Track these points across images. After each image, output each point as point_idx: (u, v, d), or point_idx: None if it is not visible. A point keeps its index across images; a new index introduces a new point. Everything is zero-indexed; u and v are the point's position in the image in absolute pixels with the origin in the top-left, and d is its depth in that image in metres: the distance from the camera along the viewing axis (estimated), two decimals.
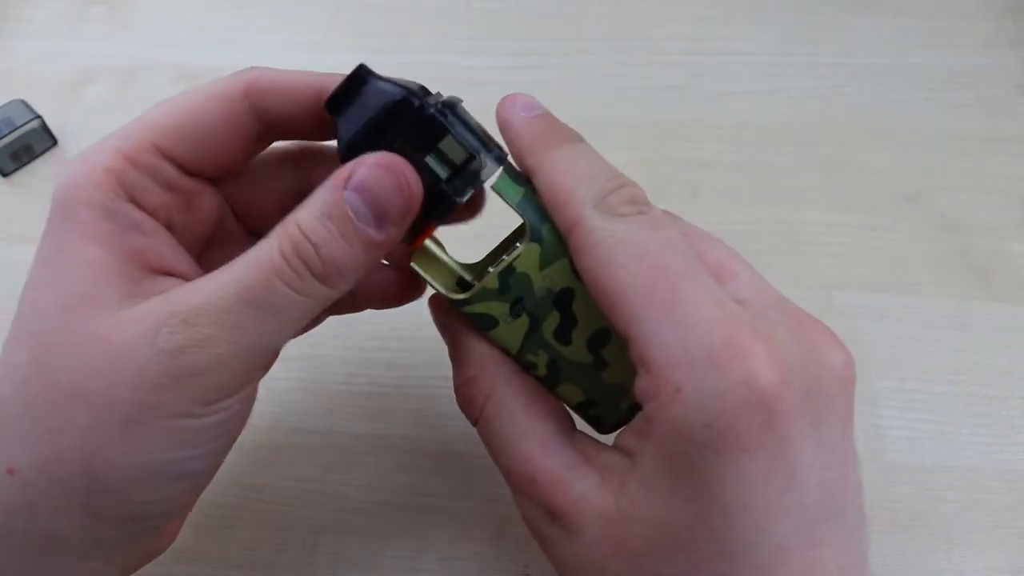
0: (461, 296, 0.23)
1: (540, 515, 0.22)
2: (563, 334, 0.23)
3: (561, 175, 0.22)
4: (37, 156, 0.42)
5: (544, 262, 0.23)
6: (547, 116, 0.24)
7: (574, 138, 0.23)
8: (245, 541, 0.31)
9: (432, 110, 0.21)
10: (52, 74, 0.45)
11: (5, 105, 0.42)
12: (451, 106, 0.22)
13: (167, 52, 0.47)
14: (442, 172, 0.22)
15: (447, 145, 0.22)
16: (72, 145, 0.43)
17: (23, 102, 0.42)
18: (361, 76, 0.22)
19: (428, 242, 0.24)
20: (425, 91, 0.23)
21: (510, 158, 0.23)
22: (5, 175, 0.41)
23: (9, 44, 0.47)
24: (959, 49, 0.46)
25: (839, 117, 0.44)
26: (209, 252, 0.26)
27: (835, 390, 0.20)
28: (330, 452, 0.33)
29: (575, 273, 0.22)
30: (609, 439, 0.23)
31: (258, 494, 0.32)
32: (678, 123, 0.43)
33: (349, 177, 0.21)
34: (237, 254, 0.26)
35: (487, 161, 0.22)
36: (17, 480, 0.20)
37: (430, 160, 0.22)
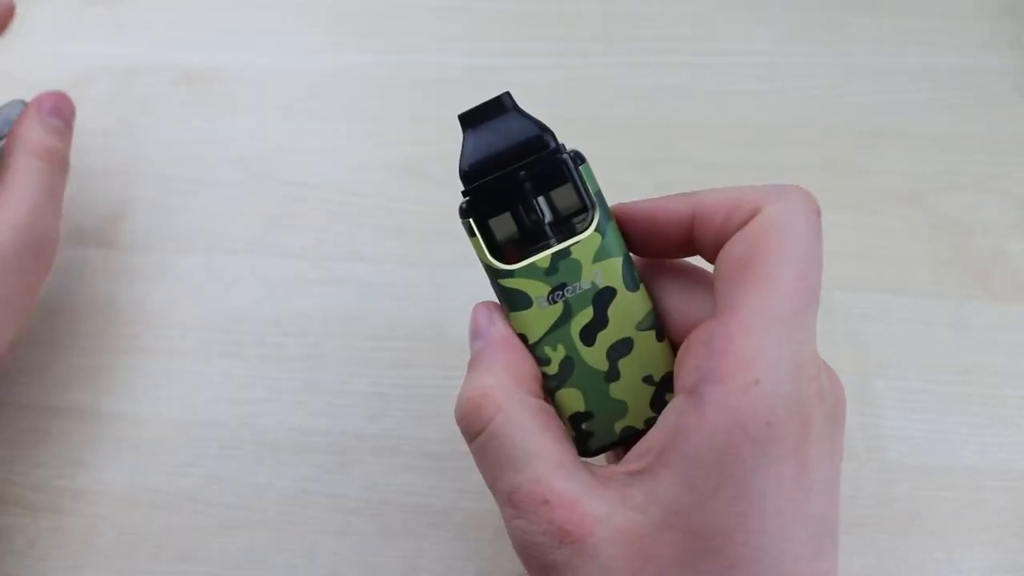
0: (508, 267, 0.23)
1: (547, 539, 0.21)
2: (589, 334, 0.24)
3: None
4: None
5: (599, 256, 0.23)
6: None
7: None
8: (245, 541, 0.31)
9: (565, 154, 0.22)
10: (52, 74, 0.46)
11: (5, 105, 0.42)
12: (581, 159, 0.23)
13: (167, 52, 0.47)
14: (548, 215, 0.23)
15: (562, 192, 0.23)
16: (72, 145, 0.43)
17: (23, 102, 0.42)
18: (503, 104, 0.23)
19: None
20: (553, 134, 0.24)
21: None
22: None
23: (9, 44, 0.47)
24: (958, 49, 0.46)
25: (839, 117, 0.44)
26: None
27: (841, 418, 0.22)
28: (330, 452, 0.33)
29: (623, 278, 0.23)
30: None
31: (258, 494, 0.32)
32: (678, 123, 0.43)
33: None
34: None
35: (594, 217, 0.23)
36: None
37: (540, 201, 0.23)
